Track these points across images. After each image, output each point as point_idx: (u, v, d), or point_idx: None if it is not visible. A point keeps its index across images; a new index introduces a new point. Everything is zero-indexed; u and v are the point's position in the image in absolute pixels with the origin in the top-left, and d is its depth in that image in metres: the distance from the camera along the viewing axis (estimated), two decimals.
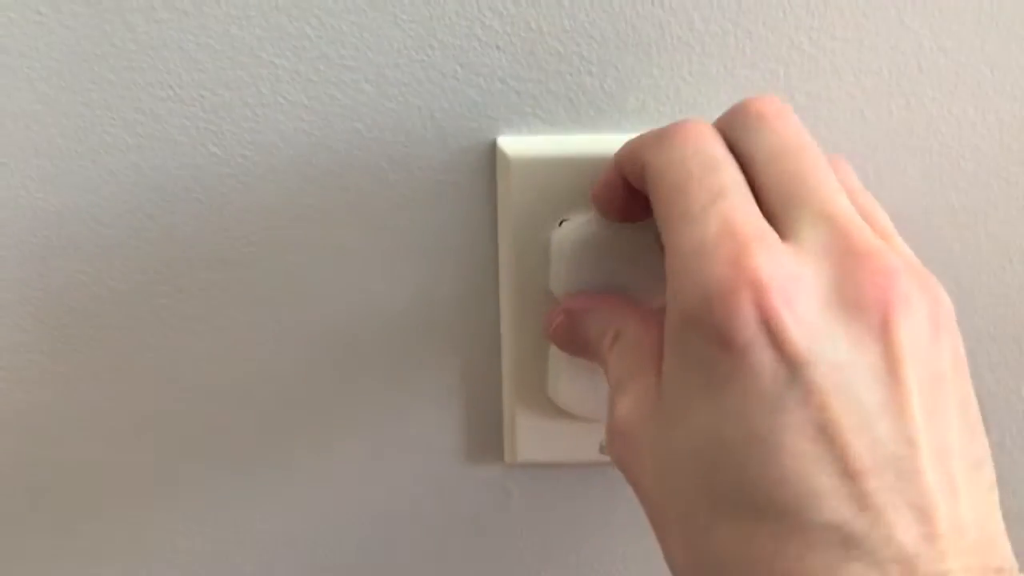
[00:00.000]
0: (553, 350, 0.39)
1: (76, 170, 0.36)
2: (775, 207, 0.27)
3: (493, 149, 0.36)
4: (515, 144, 0.36)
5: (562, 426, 0.41)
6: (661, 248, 0.28)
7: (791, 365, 0.24)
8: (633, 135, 0.36)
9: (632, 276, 0.34)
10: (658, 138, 0.29)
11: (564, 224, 0.37)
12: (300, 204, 0.37)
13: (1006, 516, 0.26)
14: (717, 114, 0.35)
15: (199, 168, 0.36)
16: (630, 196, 0.31)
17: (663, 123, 0.35)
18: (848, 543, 0.23)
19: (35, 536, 0.45)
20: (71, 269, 0.38)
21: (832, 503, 0.24)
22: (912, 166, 0.37)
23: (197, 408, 0.42)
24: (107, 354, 0.40)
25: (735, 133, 0.29)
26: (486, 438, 0.43)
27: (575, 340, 0.34)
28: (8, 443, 0.42)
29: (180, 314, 0.39)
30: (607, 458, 0.41)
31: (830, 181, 0.27)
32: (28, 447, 0.43)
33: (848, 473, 0.24)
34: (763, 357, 0.24)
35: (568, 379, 0.39)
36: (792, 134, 0.28)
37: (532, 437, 0.42)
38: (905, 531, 0.23)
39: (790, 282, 0.25)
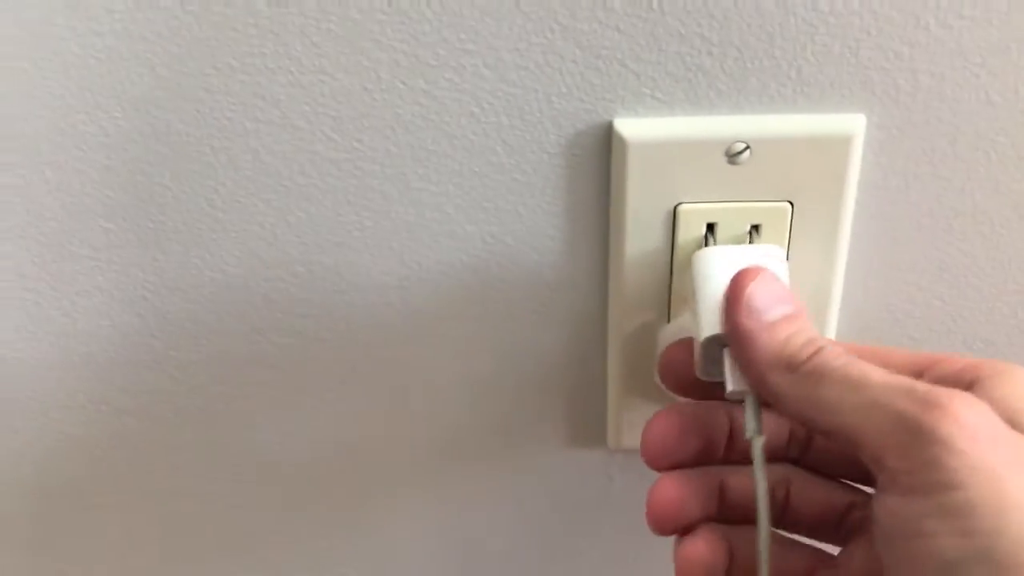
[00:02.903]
0: (662, 336, 0.39)
1: (194, 155, 0.37)
2: None
3: (609, 132, 0.36)
4: (632, 126, 0.35)
5: None
6: None
7: None
8: (752, 117, 0.35)
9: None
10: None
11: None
12: (414, 188, 0.37)
13: None
14: (843, 98, 0.35)
15: (316, 154, 0.37)
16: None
17: (783, 106, 0.35)
18: None
19: None
20: (187, 254, 0.39)
21: None
22: None
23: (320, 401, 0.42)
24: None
25: None
26: (590, 424, 0.43)
27: None
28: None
29: (291, 298, 0.40)
30: None
31: None
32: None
33: None
34: None
35: None
36: None
37: (636, 423, 0.42)
38: None
39: None
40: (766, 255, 0.33)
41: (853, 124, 0.35)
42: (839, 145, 0.35)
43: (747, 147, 0.35)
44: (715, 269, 0.33)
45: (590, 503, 0.45)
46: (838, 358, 0.29)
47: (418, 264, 0.39)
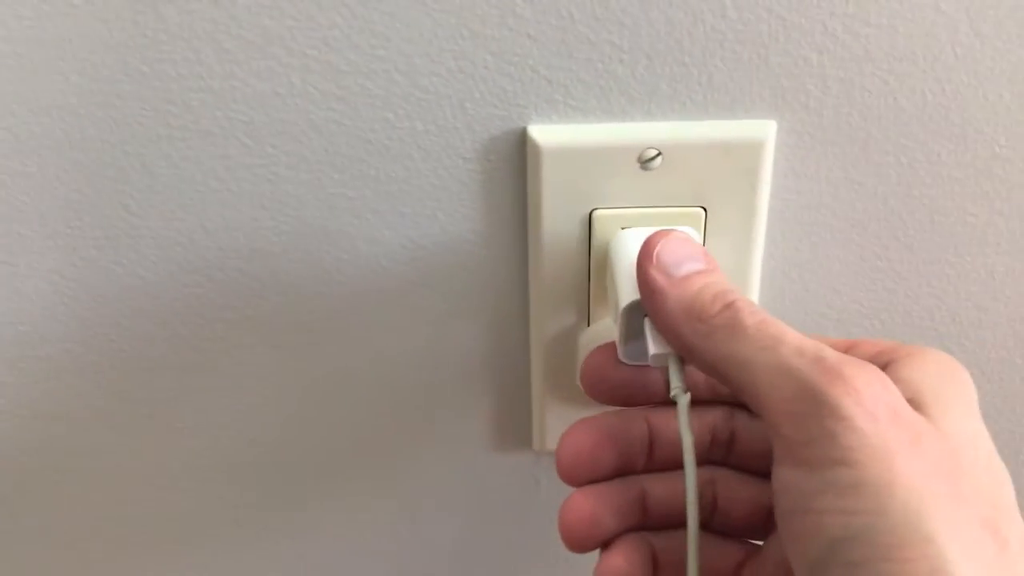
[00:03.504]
0: (583, 339, 0.39)
1: (109, 161, 0.36)
2: None
3: (524, 138, 0.36)
4: (545, 133, 0.35)
5: (590, 414, 0.41)
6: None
7: None
8: (664, 123, 0.36)
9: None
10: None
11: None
12: (330, 194, 0.37)
13: None
14: (754, 104, 0.35)
15: (230, 159, 0.36)
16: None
17: (694, 112, 0.35)
18: None
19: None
20: (104, 260, 0.39)
21: None
22: (947, 154, 0.37)
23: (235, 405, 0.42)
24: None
25: None
26: (515, 427, 0.43)
27: None
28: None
29: (211, 304, 0.40)
30: None
31: None
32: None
33: None
34: None
35: None
36: None
37: (561, 426, 0.42)
38: None
39: None
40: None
41: (764, 130, 0.36)
42: (750, 150, 0.36)
43: (659, 153, 0.35)
44: (631, 245, 0.34)
45: (517, 506, 0.45)
46: (753, 314, 0.28)
47: (337, 269, 0.39)
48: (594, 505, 0.32)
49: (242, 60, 0.34)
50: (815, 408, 0.26)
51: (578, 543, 0.32)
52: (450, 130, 0.36)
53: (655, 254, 0.31)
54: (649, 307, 0.31)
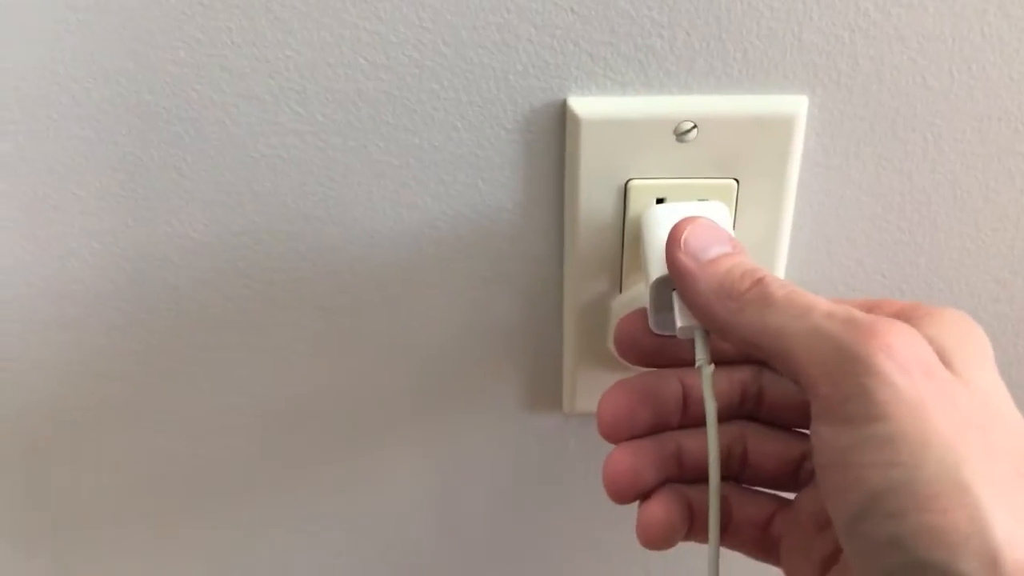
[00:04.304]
0: (615, 305, 0.41)
1: (163, 125, 0.38)
2: None
3: (564, 110, 0.37)
4: (585, 105, 0.37)
5: (620, 377, 0.43)
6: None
7: None
8: (700, 97, 0.37)
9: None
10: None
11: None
12: (375, 161, 0.39)
13: None
14: (786, 80, 0.36)
15: (280, 126, 0.38)
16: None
17: (729, 86, 0.37)
18: None
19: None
20: (156, 221, 0.40)
21: None
22: (972, 132, 0.38)
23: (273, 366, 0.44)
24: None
25: None
26: (546, 389, 0.45)
27: None
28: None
29: (257, 266, 0.41)
30: None
31: None
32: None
33: None
34: None
35: None
36: None
37: (591, 388, 0.44)
38: None
39: None
40: (711, 210, 0.35)
41: (796, 105, 0.37)
42: (782, 125, 0.37)
43: (694, 126, 0.37)
44: (663, 221, 0.35)
45: (547, 465, 0.47)
46: (783, 287, 0.30)
47: (380, 234, 0.40)
48: (633, 460, 0.34)
49: (295, 30, 0.36)
50: (850, 366, 0.27)
51: (620, 494, 0.34)
52: (493, 101, 0.37)
53: (682, 240, 0.32)
54: (680, 289, 0.32)
